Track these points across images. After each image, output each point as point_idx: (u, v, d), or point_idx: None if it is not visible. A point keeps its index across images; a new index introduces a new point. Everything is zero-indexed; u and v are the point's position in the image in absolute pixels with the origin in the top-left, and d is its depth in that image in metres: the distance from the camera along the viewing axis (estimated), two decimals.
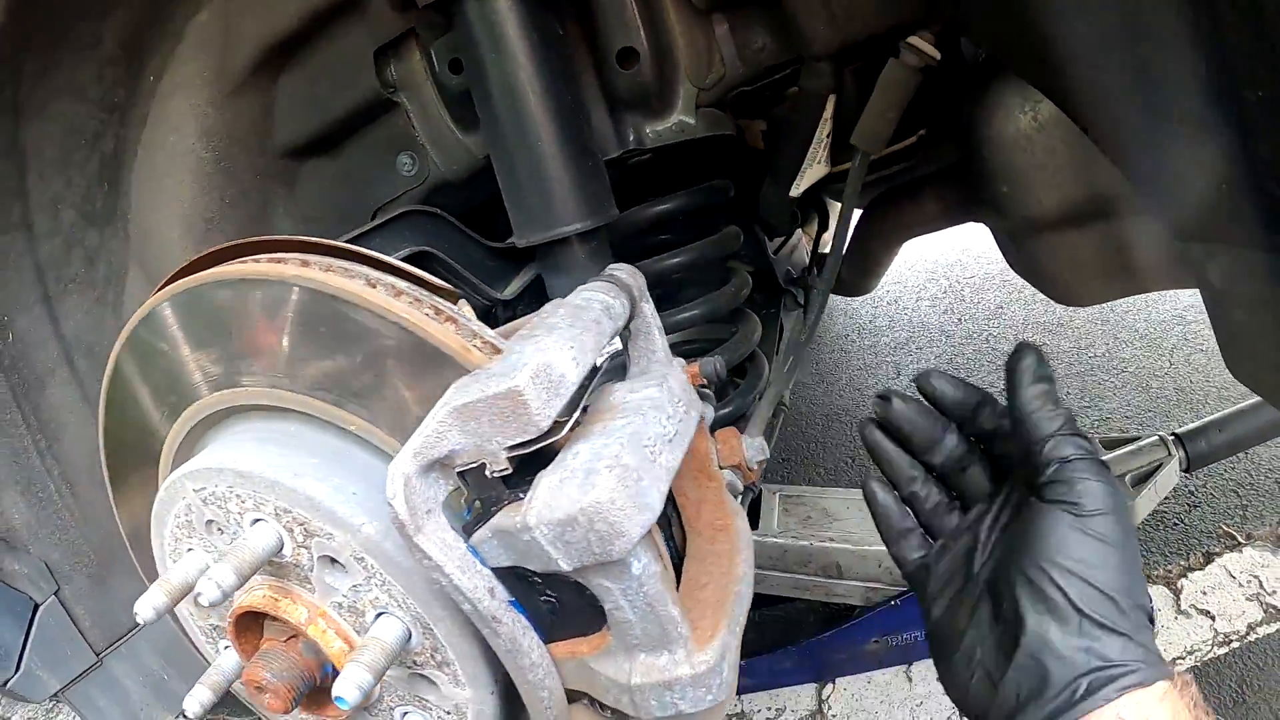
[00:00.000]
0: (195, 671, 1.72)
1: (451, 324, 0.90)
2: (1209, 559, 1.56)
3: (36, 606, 1.48)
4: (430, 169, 1.50)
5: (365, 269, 0.94)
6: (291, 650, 1.03)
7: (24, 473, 1.48)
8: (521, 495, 0.84)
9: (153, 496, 1.26)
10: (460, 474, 0.85)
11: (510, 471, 0.84)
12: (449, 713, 1.03)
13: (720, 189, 1.51)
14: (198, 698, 1.09)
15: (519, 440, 0.82)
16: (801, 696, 1.50)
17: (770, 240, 1.93)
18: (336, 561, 0.96)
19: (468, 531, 0.86)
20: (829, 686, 1.66)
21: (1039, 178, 1.35)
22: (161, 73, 1.40)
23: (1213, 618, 1.48)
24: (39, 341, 1.46)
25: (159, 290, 1.04)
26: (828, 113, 1.39)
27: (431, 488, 0.84)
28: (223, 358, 1.00)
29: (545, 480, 0.79)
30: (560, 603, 0.90)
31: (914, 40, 1.29)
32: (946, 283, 3.26)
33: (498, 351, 0.90)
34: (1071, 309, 2.45)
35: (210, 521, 1.03)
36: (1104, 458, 1.49)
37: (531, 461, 0.84)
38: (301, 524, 0.94)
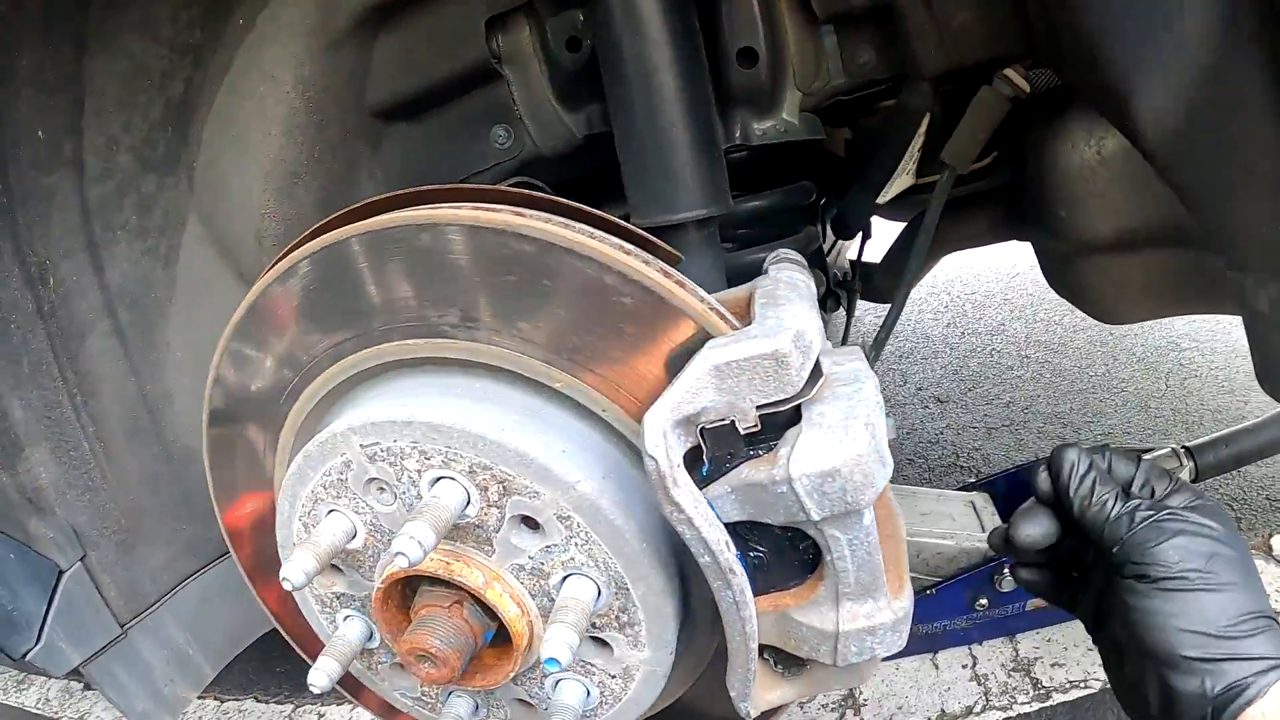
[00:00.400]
0: (222, 645, 1.61)
1: (681, 287, 0.91)
2: None
3: (61, 573, 1.34)
4: (525, 144, 1.48)
5: (582, 224, 0.94)
6: (456, 616, 0.99)
7: (56, 429, 1.34)
8: (759, 453, 0.87)
9: (258, 456, 1.20)
10: (701, 430, 0.86)
11: (758, 429, 0.86)
12: (614, 677, 1.02)
13: (806, 190, 1.58)
14: (325, 670, 1.03)
15: (774, 399, 0.85)
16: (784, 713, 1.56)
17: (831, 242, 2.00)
18: (533, 522, 0.94)
19: (701, 487, 0.87)
20: (788, 703, 1.73)
21: (1097, 206, 1.50)
22: (254, 18, 1.33)
23: None
24: (81, 290, 1.34)
25: (327, 229, 0.99)
26: (922, 129, 1.48)
27: (679, 443, 0.85)
28: (414, 304, 0.96)
29: (804, 436, 0.82)
30: (766, 557, 0.92)
31: (1009, 72, 1.41)
32: (948, 298, 3.42)
33: (728, 317, 0.92)
34: (1071, 330, 2.70)
35: (373, 480, 0.98)
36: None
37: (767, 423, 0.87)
38: (501, 482, 0.92)
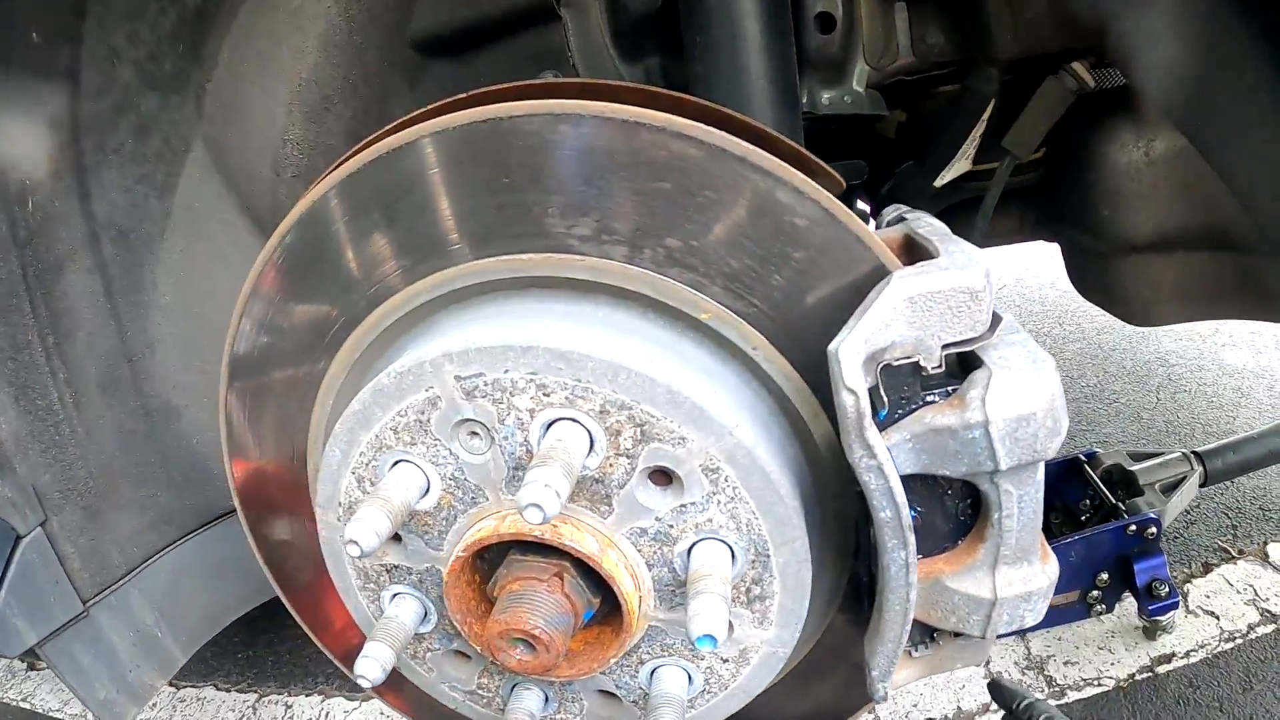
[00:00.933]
0: (196, 627, 1.38)
1: (851, 218, 0.82)
2: (1208, 569, 1.79)
3: (19, 539, 1.11)
4: None
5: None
6: (557, 590, 0.85)
7: (22, 373, 1.12)
8: (936, 398, 0.78)
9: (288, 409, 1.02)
10: (881, 370, 0.77)
11: (943, 370, 0.78)
12: (726, 661, 0.90)
13: (859, 169, 1.53)
14: (377, 659, 0.87)
15: (962, 337, 0.77)
16: None
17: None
18: (668, 475, 0.82)
19: None
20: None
21: (1141, 205, 1.51)
22: None
23: (1217, 618, 1.69)
24: (62, 217, 1.14)
25: (427, 116, 0.85)
26: (986, 114, 1.46)
27: (865, 382, 0.75)
28: (534, 212, 0.83)
29: (997, 377, 0.75)
30: (922, 519, 0.84)
31: (1076, 65, 1.41)
32: None
33: (896, 249, 0.84)
34: (1061, 341, 2.76)
35: (466, 422, 0.83)
36: (1134, 468, 1.67)
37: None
38: (639, 425, 0.79)
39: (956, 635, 0.92)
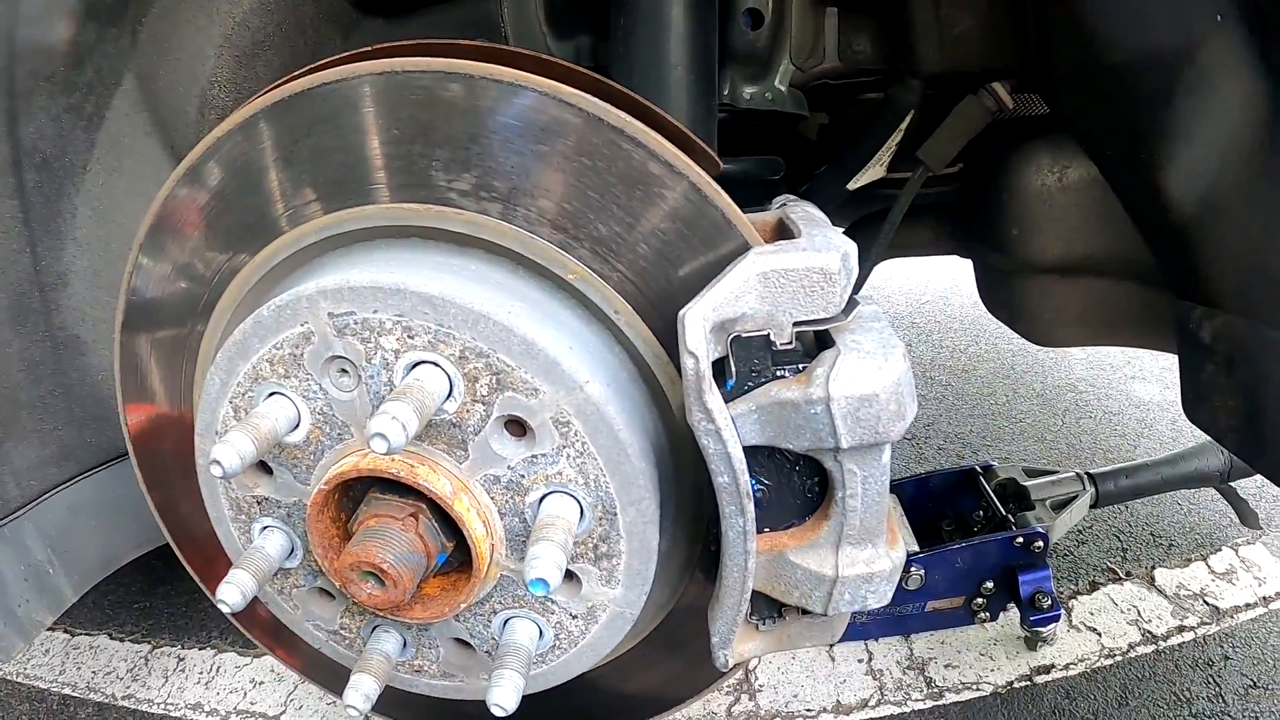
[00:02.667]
0: (90, 567, 1.37)
1: (721, 196, 0.85)
2: (1095, 587, 1.84)
3: None
4: None
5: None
6: (411, 529, 0.88)
7: None
8: (786, 374, 0.81)
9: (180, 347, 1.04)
10: (732, 341, 0.81)
11: (791, 346, 0.81)
12: (575, 617, 0.93)
13: (776, 165, 1.57)
14: (237, 584, 0.89)
15: (814, 317, 0.80)
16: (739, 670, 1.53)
17: None
18: (521, 426, 0.84)
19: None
20: (755, 659, 1.70)
21: (1050, 229, 1.56)
22: None
23: (1099, 635, 1.74)
24: None
25: (340, 63, 0.87)
26: (904, 125, 1.50)
27: (711, 349, 0.78)
28: (421, 163, 0.85)
29: (845, 358, 0.78)
30: (768, 493, 0.87)
31: (997, 85, 1.46)
32: None
33: (768, 231, 0.87)
34: (975, 359, 2.81)
35: (336, 359, 0.85)
36: (1028, 483, 1.72)
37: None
38: (496, 373, 0.82)
39: (804, 613, 0.95)
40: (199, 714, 1.69)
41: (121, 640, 1.89)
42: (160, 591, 1.99)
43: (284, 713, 1.68)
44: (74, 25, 1.15)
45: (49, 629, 1.86)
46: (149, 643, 1.87)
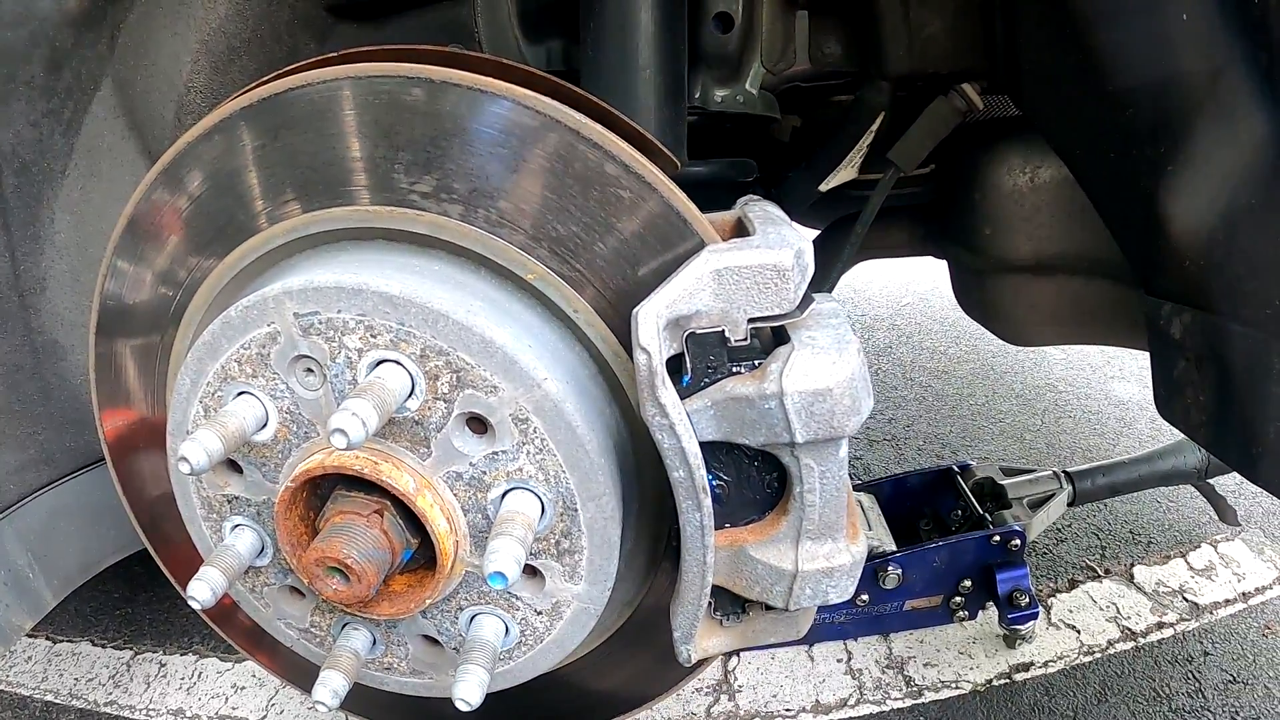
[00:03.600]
0: (69, 571, 1.38)
1: (677, 196, 0.86)
2: (1074, 585, 1.86)
3: None
4: None
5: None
6: (376, 526, 0.89)
7: None
8: (740, 370, 0.83)
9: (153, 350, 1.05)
10: (687, 338, 0.82)
11: (747, 343, 0.82)
12: (540, 613, 0.94)
13: (748, 167, 1.58)
14: (207, 581, 0.90)
15: (769, 314, 0.82)
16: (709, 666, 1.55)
17: None
18: (482, 424, 0.85)
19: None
20: (734, 658, 1.71)
21: (1022, 228, 1.58)
22: None
23: (1078, 632, 1.75)
24: None
25: (315, 67, 0.88)
26: (874, 126, 1.52)
27: (665, 346, 0.80)
28: (383, 166, 0.87)
29: (798, 353, 0.79)
30: (727, 489, 0.88)
31: (967, 87, 1.47)
32: None
33: (726, 230, 0.89)
34: (955, 360, 2.83)
35: (301, 358, 0.87)
36: (1005, 482, 1.74)
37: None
38: (456, 371, 0.83)
39: (768, 609, 0.96)
40: (180, 719, 1.70)
41: (103, 646, 1.90)
42: (142, 598, 2.00)
43: (265, 717, 1.69)
44: (51, 30, 1.17)
45: (30, 635, 1.87)
46: (131, 649, 1.88)
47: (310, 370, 0.88)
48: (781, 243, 0.81)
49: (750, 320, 0.82)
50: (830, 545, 0.87)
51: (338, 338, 0.85)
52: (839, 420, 0.79)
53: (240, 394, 0.90)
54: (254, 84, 0.92)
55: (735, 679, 1.69)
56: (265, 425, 0.91)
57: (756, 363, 0.82)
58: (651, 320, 0.76)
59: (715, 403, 0.81)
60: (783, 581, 0.87)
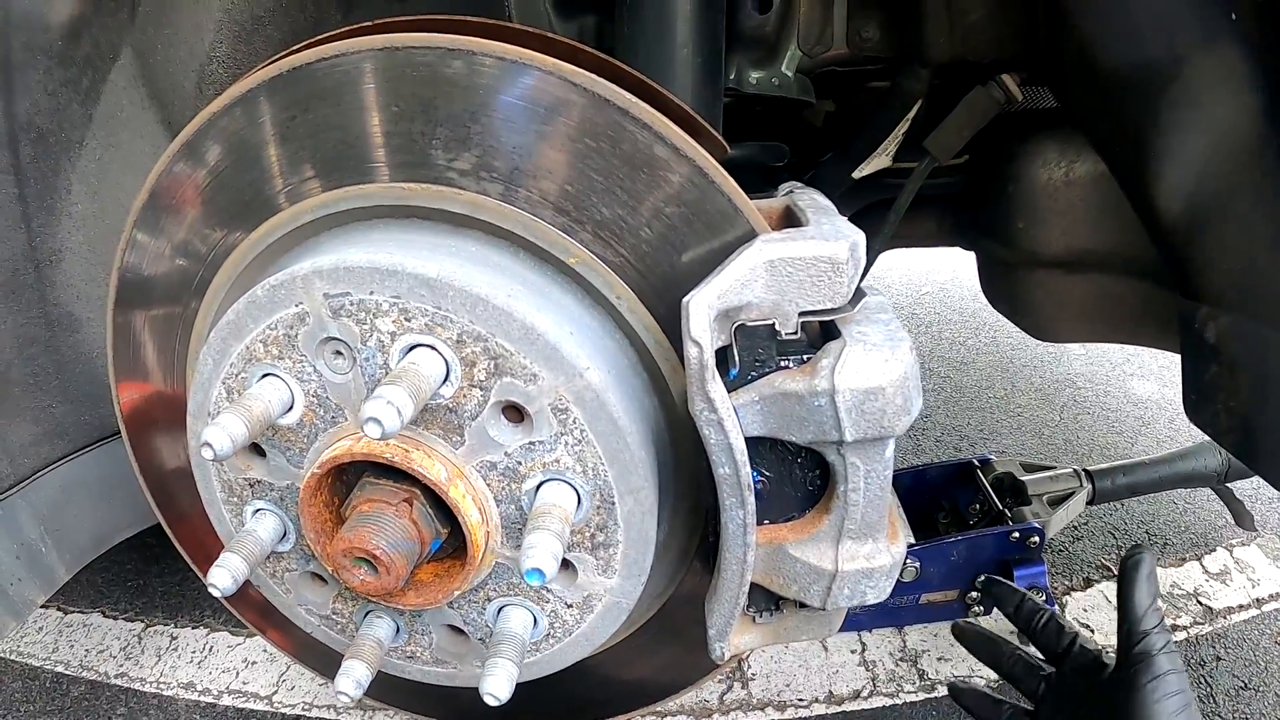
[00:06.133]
0: (83, 545, 1.37)
1: (728, 181, 0.84)
2: (1089, 583, 1.85)
3: None
4: None
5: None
6: (405, 516, 0.86)
7: None
8: (790, 364, 0.80)
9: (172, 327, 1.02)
10: (736, 329, 0.79)
11: (796, 337, 0.80)
12: (570, 606, 0.92)
13: (781, 151, 1.55)
14: (229, 568, 0.88)
15: (821, 307, 0.79)
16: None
17: None
18: (519, 412, 0.83)
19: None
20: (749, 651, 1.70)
21: (1056, 222, 1.55)
22: None
23: (1092, 631, 1.74)
24: None
25: (340, 37, 0.85)
26: (911, 114, 1.48)
27: (714, 338, 0.77)
28: (420, 141, 0.84)
29: (851, 350, 0.77)
30: (768, 485, 0.86)
31: (1006, 77, 1.44)
32: None
33: (774, 218, 0.86)
34: (974, 351, 2.82)
35: (330, 340, 0.84)
36: (1025, 478, 1.72)
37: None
38: (494, 358, 0.80)
39: (802, 606, 0.94)
40: (191, 693, 1.69)
41: (115, 619, 1.88)
42: (154, 570, 1.98)
43: (275, 693, 1.67)
44: None
45: (42, 607, 1.86)
46: (142, 621, 1.87)
47: (339, 353, 0.85)
48: (837, 234, 0.79)
49: (801, 314, 0.79)
50: (871, 545, 0.85)
51: (370, 320, 0.82)
52: (890, 420, 0.77)
53: (265, 376, 0.87)
54: (281, 54, 0.89)
55: (749, 667, 1.68)
56: (291, 409, 0.88)
57: (806, 358, 0.80)
58: (703, 311, 0.74)
59: (763, 398, 0.79)
60: (821, 581, 0.85)
